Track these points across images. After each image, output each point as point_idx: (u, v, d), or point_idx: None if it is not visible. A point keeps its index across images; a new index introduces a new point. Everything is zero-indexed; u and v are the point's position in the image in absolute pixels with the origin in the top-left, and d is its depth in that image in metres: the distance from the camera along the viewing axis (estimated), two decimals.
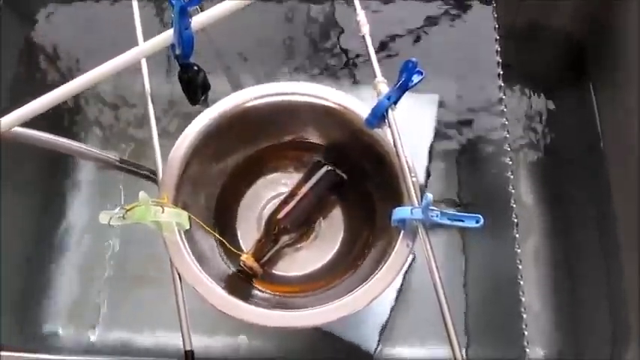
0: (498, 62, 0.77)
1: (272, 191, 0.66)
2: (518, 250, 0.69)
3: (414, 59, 0.56)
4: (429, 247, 0.53)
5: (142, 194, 0.51)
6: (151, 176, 0.66)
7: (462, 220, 0.53)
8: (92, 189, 0.88)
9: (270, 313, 0.53)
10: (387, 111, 0.59)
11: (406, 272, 0.78)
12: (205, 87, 0.65)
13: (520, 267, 0.67)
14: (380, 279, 0.54)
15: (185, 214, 0.56)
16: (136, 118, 0.88)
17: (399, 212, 0.55)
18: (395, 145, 0.57)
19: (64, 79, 0.66)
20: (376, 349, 0.73)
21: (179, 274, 0.54)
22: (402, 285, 0.78)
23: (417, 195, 0.55)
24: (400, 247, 0.55)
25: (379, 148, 0.60)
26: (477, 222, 0.52)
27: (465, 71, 0.87)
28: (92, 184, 0.88)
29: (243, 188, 0.66)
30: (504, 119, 0.76)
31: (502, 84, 0.76)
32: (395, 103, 0.59)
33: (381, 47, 0.85)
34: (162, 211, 0.54)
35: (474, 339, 0.75)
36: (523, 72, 0.86)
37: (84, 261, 0.85)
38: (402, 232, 0.56)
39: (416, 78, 0.59)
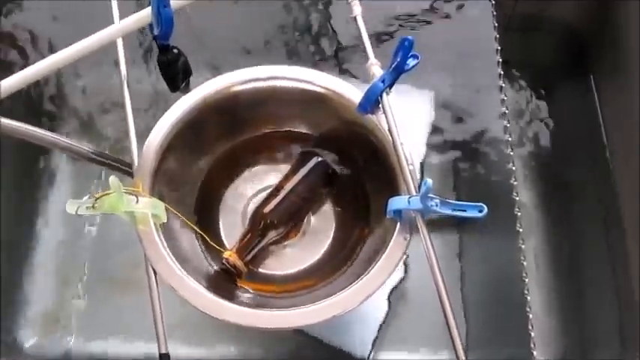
0: (498, 62, 0.73)
1: (258, 184, 0.61)
2: (523, 258, 0.65)
3: (409, 37, 0.52)
4: (428, 240, 0.49)
5: (112, 179, 0.46)
6: (129, 170, 0.61)
7: (464, 210, 0.49)
8: (68, 190, 0.83)
9: (254, 312, 0.49)
10: (381, 95, 0.55)
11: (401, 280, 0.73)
12: (187, 73, 0.60)
13: (524, 266, 0.62)
14: (374, 275, 0.49)
15: (162, 204, 0.51)
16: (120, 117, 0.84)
17: (395, 202, 0.51)
18: (390, 132, 0.53)
19: None
20: (369, 356, 0.68)
21: (154, 270, 0.49)
22: (396, 288, 0.73)
23: (415, 184, 0.51)
24: (396, 240, 0.51)
25: (373, 136, 0.56)
26: (480, 211, 0.48)
27: (463, 68, 0.84)
28: (68, 185, 0.83)
29: (227, 181, 0.61)
30: (506, 122, 0.72)
31: (503, 85, 0.72)
32: (390, 87, 0.55)
33: (375, 41, 0.81)
34: (137, 201, 0.49)
35: (473, 342, 0.70)
36: (521, 66, 0.83)
37: (60, 265, 0.80)
38: (399, 224, 0.52)
39: (412, 61, 0.55)
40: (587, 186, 0.77)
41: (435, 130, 0.80)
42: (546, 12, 0.82)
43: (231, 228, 0.60)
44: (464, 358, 0.44)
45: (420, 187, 0.48)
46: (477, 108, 0.81)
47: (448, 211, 0.49)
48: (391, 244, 0.50)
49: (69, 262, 0.79)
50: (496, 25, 0.74)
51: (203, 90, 0.57)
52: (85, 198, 0.47)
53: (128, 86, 0.56)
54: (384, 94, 0.55)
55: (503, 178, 0.75)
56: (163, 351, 0.46)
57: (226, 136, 0.61)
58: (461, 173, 0.80)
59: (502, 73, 0.72)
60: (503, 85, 0.68)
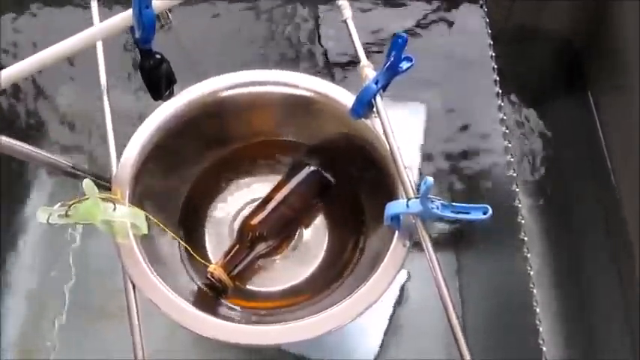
0: (495, 80, 0.71)
1: (246, 196, 0.58)
2: (529, 268, 0.61)
3: (403, 34, 0.50)
4: (429, 245, 0.45)
5: (87, 182, 0.42)
6: (108, 185, 0.58)
7: (468, 212, 0.45)
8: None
9: (240, 328, 0.44)
10: (374, 97, 0.52)
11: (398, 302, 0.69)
12: (170, 81, 0.58)
13: (531, 277, 0.59)
14: (374, 285, 0.46)
15: (142, 214, 0.48)
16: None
17: (394, 207, 0.48)
18: (385, 134, 0.50)
19: None
20: None
21: (133, 285, 0.45)
22: (393, 312, 0.69)
23: (413, 187, 0.48)
24: (396, 247, 0.47)
25: (366, 142, 0.53)
26: (485, 213, 0.45)
27: (456, 81, 0.82)
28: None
29: (214, 192, 0.58)
30: (507, 142, 0.70)
31: (501, 103, 0.70)
32: (383, 89, 0.53)
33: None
34: (114, 209, 0.46)
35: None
36: (515, 79, 0.81)
37: (37, 291, 0.75)
38: (397, 232, 0.48)
39: (405, 64, 0.53)
40: (588, 195, 0.75)
41: (429, 143, 0.78)
42: (539, 23, 0.80)
43: (218, 242, 0.56)
44: None
45: (419, 188, 0.46)
46: (471, 119, 0.79)
47: (450, 214, 0.45)
48: (390, 251, 0.47)
49: (48, 287, 0.75)
50: (491, 43, 0.73)
51: (187, 95, 0.54)
52: (58, 205, 0.44)
53: (108, 93, 0.53)
54: (378, 97, 0.52)
55: (501, 189, 0.72)
56: None
57: (213, 145, 0.58)
58: (455, 186, 0.77)
59: (500, 91, 0.70)
60: (504, 117, 0.66)
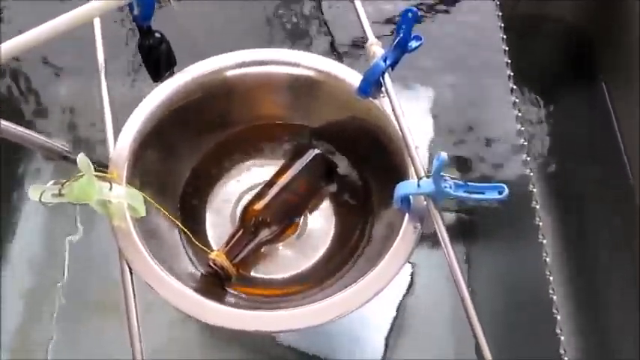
0: (507, 63, 0.69)
1: (249, 181, 0.55)
2: (548, 273, 0.58)
3: (413, 8, 0.48)
4: (442, 228, 0.43)
5: (81, 157, 0.40)
6: (106, 171, 0.56)
7: (482, 192, 0.43)
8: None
9: (246, 314, 0.42)
10: (383, 75, 0.50)
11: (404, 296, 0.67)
12: (170, 62, 0.56)
13: (551, 281, 0.56)
14: (383, 270, 0.43)
15: (140, 196, 0.46)
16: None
17: (404, 187, 0.45)
18: (394, 113, 0.48)
19: None
20: None
21: (129, 267, 0.42)
22: (397, 311, 0.66)
23: (424, 167, 0.46)
24: (406, 231, 0.45)
25: (374, 122, 0.51)
26: (501, 192, 0.43)
27: (465, 70, 0.79)
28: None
29: (215, 177, 0.55)
30: (519, 125, 0.67)
31: (513, 86, 0.67)
32: (392, 66, 0.51)
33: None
34: (110, 188, 0.43)
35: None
36: (526, 67, 0.79)
37: (33, 286, 0.72)
38: (407, 215, 0.46)
39: (414, 43, 0.51)
40: (601, 184, 0.72)
41: (437, 128, 0.75)
42: (550, 11, 0.78)
43: (220, 229, 0.53)
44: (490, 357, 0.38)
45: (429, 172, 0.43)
46: (482, 104, 0.76)
47: (464, 194, 0.43)
48: (400, 235, 0.45)
49: (43, 280, 0.72)
50: (502, 25, 0.70)
51: (187, 74, 0.52)
52: (50, 183, 0.42)
53: (105, 71, 0.51)
54: (386, 75, 0.50)
55: (514, 185, 0.69)
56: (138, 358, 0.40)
57: (214, 128, 0.56)
58: (465, 172, 0.74)
59: (512, 74, 0.68)
60: (519, 113, 0.64)
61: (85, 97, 0.78)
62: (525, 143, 0.67)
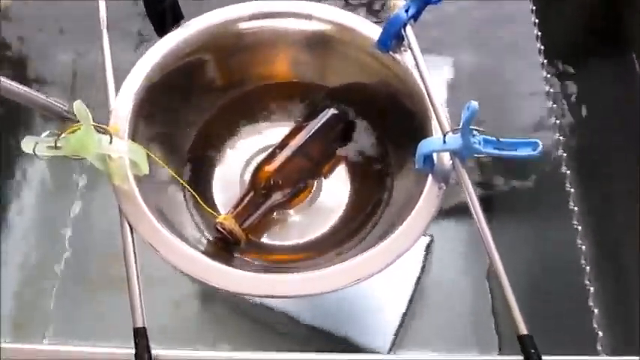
0: (537, 36, 0.65)
1: (258, 144, 0.52)
2: (582, 247, 0.54)
3: None
4: (471, 190, 0.40)
5: (78, 104, 0.37)
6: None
7: (515, 149, 0.40)
8: (43, 177, 0.74)
9: (263, 278, 0.39)
10: (404, 28, 0.47)
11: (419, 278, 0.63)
12: (176, 15, 0.52)
13: (583, 251, 0.52)
14: (407, 230, 0.40)
15: (143, 151, 0.42)
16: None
17: (427, 145, 0.42)
18: (418, 67, 0.45)
19: None
20: (390, 348, 0.57)
21: (130, 225, 0.39)
22: (414, 290, 0.63)
23: (449, 122, 0.42)
24: (430, 191, 0.42)
25: (393, 77, 0.48)
26: (534, 149, 0.39)
27: (495, 39, 0.75)
28: (43, 173, 0.74)
29: (223, 139, 0.52)
30: (551, 103, 0.63)
31: (544, 61, 0.63)
32: (414, 18, 0.47)
33: None
34: (111, 142, 0.40)
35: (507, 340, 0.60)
36: (552, 42, 0.74)
37: (32, 259, 0.70)
38: (431, 175, 0.43)
39: None
40: (630, 161, 0.68)
41: (459, 102, 0.71)
42: None
43: (228, 194, 0.50)
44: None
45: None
46: (510, 78, 0.72)
47: (494, 151, 0.40)
48: (424, 194, 0.41)
49: (42, 255, 0.69)
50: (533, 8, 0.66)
51: (195, 25, 0.48)
52: (45, 135, 0.38)
53: (107, 26, 0.48)
54: (408, 27, 0.47)
55: (545, 156, 0.64)
56: (139, 324, 0.37)
57: (225, 85, 0.52)
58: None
59: (542, 47, 0.64)
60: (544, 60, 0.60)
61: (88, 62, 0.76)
62: (557, 121, 0.62)
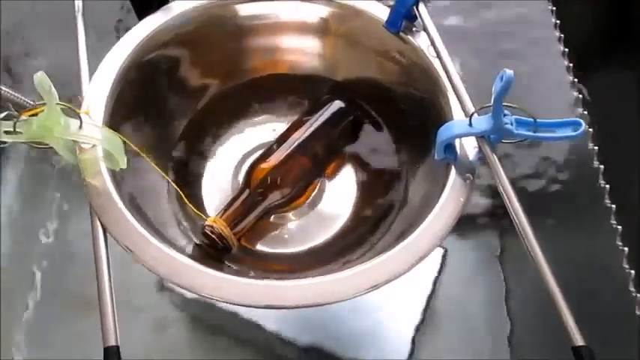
0: (556, 24, 0.61)
1: (254, 140, 0.46)
2: (625, 249, 0.48)
3: None
4: (503, 177, 0.34)
5: (40, 75, 0.31)
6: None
7: (553, 130, 0.34)
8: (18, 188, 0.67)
9: (257, 284, 0.32)
10: (417, 5, 0.42)
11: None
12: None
13: (625, 253, 0.46)
14: (431, 225, 0.34)
15: (119, 140, 0.36)
16: None
17: (449, 129, 0.36)
18: (434, 47, 0.40)
19: None
20: None
21: (102, 225, 0.33)
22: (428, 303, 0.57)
23: (471, 104, 0.37)
24: (454, 184, 0.36)
25: (405, 65, 0.43)
26: (576, 130, 0.34)
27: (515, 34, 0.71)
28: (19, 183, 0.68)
29: (215, 134, 0.46)
30: (577, 93, 0.58)
31: (565, 49, 0.60)
32: None
33: None
34: (80, 126, 0.34)
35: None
36: (573, 38, 0.70)
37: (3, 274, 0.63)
38: (454, 166, 0.37)
39: None
40: None
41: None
42: None
43: (218, 195, 0.44)
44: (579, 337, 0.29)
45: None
46: (529, 66, 0.67)
47: (529, 134, 0.34)
48: (449, 187, 0.36)
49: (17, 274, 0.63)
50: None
51: (183, 4, 0.43)
52: (2, 116, 0.33)
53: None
54: (421, 5, 0.42)
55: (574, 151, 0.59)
56: (111, 342, 0.30)
57: (216, 75, 0.47)
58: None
59: (562, 36, 0.60)
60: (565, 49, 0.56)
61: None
62: (585, 112, 0.58)
